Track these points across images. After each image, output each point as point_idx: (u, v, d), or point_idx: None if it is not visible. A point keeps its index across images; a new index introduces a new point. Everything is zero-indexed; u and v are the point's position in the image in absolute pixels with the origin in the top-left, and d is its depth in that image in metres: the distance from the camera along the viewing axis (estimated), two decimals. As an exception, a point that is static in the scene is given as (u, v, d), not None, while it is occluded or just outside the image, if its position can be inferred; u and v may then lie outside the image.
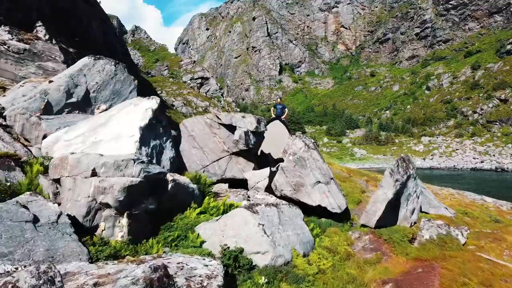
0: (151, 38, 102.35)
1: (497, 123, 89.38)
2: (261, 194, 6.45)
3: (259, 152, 9.11)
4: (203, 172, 7.40)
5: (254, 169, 7.52)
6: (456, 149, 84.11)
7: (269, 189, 7.11)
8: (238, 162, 7.44)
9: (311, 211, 7.06)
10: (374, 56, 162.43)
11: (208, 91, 68.12)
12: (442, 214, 8.66)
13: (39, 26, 17.67)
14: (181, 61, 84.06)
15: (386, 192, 6.59)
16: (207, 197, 6.01)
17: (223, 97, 72.36)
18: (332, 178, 6.82)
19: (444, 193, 19.24)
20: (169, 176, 5.20)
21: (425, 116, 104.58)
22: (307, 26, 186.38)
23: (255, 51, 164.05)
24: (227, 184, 7.38)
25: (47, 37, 16.77)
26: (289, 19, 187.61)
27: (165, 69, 79.54)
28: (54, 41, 16.12)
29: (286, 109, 10.70)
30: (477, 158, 75.14)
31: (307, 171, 6.78)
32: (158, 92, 43.28)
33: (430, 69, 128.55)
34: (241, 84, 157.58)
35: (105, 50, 31.06)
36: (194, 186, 5.87)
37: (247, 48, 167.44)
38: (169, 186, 5.16)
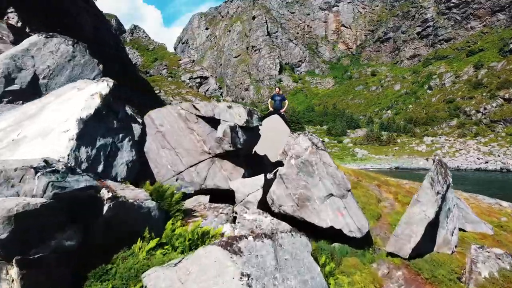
0: (149, 37, 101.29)
1: (501, 123, 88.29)
2: (251, 213, 4.61)
3: (253, 152, 7.26)
4: (176, 180, 5.54)
5: (244, 176, 5.68)
6: (460, 149, 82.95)
7: (263, 204, 5.27)
8: (223, 167, 5.60)
9: (319, 233, 5.22)
10: (375, 56, 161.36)
11: (207, 90, 66.78)
12: (484, 232, 6.81)
13: (11, 12, 15.80)
14: (180, 60, 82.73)
15: (426, 210, 4.74)
16: (171, 220, 4.15)
17: (222, 96, 70.92)
18: (349, 190, 4.95)
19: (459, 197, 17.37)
20: (105, 192, 3.34)
21: (427, 115, 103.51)
22: (307, 25, 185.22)
23: (255, 50, 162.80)
24: (207, 197, 5.54)
25: (19, 24, 14.93)
26: (289, 18, 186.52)
27: (164, 69, 78.29)
28: (28, 29, 14.38)
29: (286, 101, 8.82)
30: (481, 159, 73.94)
31: (315, 180, 4.94)
32: (157, 91, 41.78)
33: (432, 68, 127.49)
34: (241, 83, 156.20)
35: (95, 44, 29.50)
36: (152, 204, 4.00)
37: (247, 48, 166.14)
38: (105, 207, 3.30)
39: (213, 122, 5.57)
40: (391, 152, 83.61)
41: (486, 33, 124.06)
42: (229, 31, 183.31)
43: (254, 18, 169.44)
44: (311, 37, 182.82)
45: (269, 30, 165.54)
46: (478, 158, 72.30)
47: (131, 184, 4.70)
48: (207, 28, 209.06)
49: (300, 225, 5.41)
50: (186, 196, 5.79)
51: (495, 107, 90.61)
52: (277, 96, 8.60)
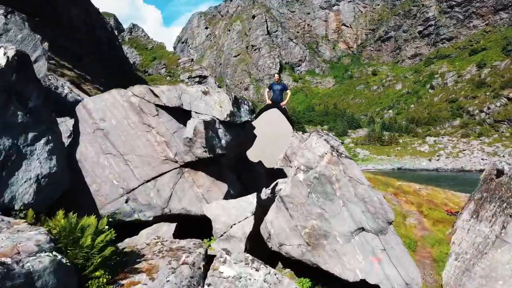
0: (148, 36, 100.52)
1: (506, 123, 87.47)
2: (234, 261, 2.75)
3: (243, 157, 5.38)
4: (126, 202, 3.69)
5: (227, 195, 3.80)
6: (463, 150, 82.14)
7: (255, 240, 3.42)
8: (196, 181, 3.74)
9: (342, 285, 3.38)
10: (376, 55, 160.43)
11: (205, 89, 65.23)
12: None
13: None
14: (178, 59, 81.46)
15: (520, 257, 2.91)
16: (88, 284, 2.30)
17: (220, 95, 69.26)
18: (390, 222, 3.08)
19: (476, 203, 15.50)
20: None
21: (429, 115, 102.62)
22: (308, 25, 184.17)
23: (255, 49, 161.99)
24: (173, 226, 3.69)
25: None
26: (289, 17, 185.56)
27: (163, 68, 77.00)
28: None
29: (289, 91, 6.89)
30: (486, 159, 73.31)
31: (337, 205, 3.10)
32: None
33: (434, 67, 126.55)
34: (241, 83, 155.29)
35: (84, 38, 27.89)
36: (42, 264, 2.13)
37: (247, 47, 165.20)
38: None
39: (182, 115, 3.73)
40: (393, 153, 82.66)
41: (489, 32, 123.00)
42: (229, 30, 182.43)
43: (254, 17, 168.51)
44: (311, 36, 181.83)
45: (269, 29, 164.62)
46: (482, 159, 71.52)
47: (39, 215, 2.85)
48: (206, 28, 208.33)
49: (311, 271, 3.55)
50: (142, 224, 3.93)
51: (499, 106, 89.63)
52: (277, 85, 6.65)
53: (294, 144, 5.39)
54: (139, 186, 3.70)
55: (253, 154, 5.12)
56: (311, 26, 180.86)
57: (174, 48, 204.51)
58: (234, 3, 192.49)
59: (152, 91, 3.76)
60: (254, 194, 3.65)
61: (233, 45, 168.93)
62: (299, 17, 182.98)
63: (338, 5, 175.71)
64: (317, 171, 3.16)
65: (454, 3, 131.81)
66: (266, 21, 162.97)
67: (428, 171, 70.69)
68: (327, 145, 3.17)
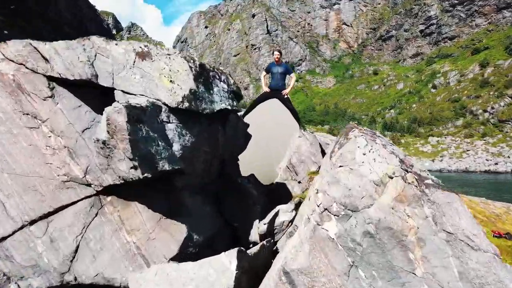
0: (147, 35, 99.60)
1: (510, 123, 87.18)
2: None
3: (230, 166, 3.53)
4: None
5: (185, 247, 1.98)
6: (467, 150, 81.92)
7: None
8: (126, 221, 1.95)
9: None
10: (377, 54, 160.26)
11: (204, 89, 65.12)
12: None
13: None
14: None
15: None
16: None
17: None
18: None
19: (498, 211, 13.88)
20: None
21: (431, 115, 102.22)
22: (308, 24, 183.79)
23: (255, 49, 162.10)
24: None
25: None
26: (289, 17, 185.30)
27: (161, 67, 75.78)
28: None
29: (293, 75, 5.03)
30: (491, 160, 73.06)
31: None
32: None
33: (436, 66, 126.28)
34: (240, 82, 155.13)
35: (72, 30, 26.56)
36: None
37: (247, 46, 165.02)
38: None
39: (100, 97, 1.92)
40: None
41: (491, 31, 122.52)
42: (229, 30, 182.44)
43: (253, 16, 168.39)
44: (311, 36, 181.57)
45: (269, 28, 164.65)
46: (487, 159, 71.02)
47: None
48: (206, 27, 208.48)
49: None
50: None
51: (503, 106, 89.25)
52: (277, 67, 4.73)
53: (302, 148, 3.63)
54: (15, 232, 1.90)
55: (241, 164, 3.30)
56: (311, 25, 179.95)
57: (174, 47, 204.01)
58: (234, 2, 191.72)
59: (38, 50, 1.92)
60: (233, 252, 1.75)
61: (232, 45, 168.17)
62: (299, 16, 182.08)
63: (339, 4, 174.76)
64: (371, 218, 1.32)
65: (456, 1, 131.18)
66: (266, 20, 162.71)
67: (431, 172, 69.93)
68: (392, 158, 1.31)
